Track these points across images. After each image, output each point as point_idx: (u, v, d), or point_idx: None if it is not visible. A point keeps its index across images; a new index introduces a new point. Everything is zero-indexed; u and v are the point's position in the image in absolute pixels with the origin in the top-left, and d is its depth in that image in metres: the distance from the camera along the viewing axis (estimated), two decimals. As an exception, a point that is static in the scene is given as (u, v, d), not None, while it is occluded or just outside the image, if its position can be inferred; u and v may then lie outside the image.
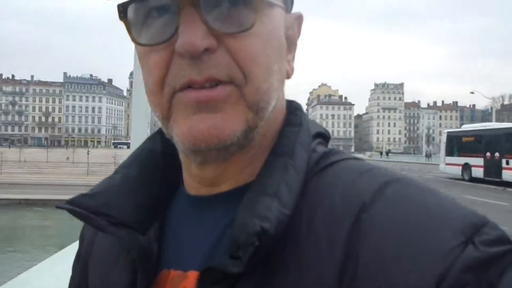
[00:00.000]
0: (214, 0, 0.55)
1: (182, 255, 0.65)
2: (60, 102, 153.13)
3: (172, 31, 0.55)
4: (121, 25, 0.58)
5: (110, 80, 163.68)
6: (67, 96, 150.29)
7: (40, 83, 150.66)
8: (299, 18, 0.70)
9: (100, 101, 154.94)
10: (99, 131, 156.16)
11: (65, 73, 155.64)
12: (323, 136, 0.70)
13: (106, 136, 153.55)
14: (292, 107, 0.69)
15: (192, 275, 0.59)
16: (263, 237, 0.52)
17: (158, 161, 0.72)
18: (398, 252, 0.49)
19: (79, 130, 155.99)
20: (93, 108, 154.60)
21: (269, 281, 0.54)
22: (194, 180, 0.67)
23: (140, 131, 3.58)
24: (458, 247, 0.48)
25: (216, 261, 0.55)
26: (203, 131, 0.56)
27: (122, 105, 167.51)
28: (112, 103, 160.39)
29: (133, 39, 0.58)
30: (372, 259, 0.50)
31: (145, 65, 0.60)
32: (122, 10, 0.58)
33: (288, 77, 0.67)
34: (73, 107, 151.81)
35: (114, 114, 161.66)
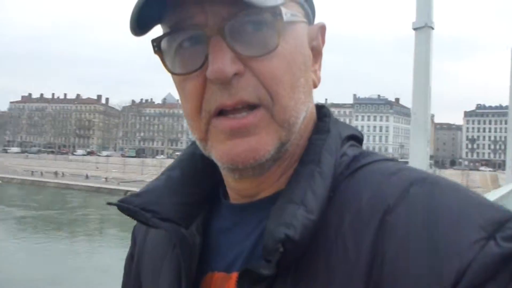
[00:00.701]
0: (238, 27, 0.59)
1: (225, 258, 0.68)
2: (350, 122, 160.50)
3: (202, 60, 0.59)
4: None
5: (397, 99, 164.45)
6: (356, 116, 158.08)
7: (333, 105, 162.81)
8: (322, 28, 0.72)
9: (387, 120, 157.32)
10: (386, 149, 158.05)
11: (354, 95, 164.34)
12: (356, 138, 0.72)
13: (392, 155, 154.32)
14: (322, 113, 0.71)
15: (235, 276, 0.62)
16: (288, 243, 0.55)
17: (198, 164, 0.76)
18: (420, 250, 0.51)
19: (367, 148, 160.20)
20: (381, 127, 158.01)
21: (302, 282, 0.57)
22: (234, 192, 0.72)
23: (418, 149, 3.53)
24: (478, 243, 0.49)
25: (253, 264, 0.58)
26: (239, 153, 0.60)
27: (408, 124, 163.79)
28: (398, 122, 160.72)
29: (168, 70, 0.63)
30: (396, 260, 0.52)
31: (182, 93, 0.64)
32: (156, 45, 0.63)
33: (315, 86, 0.70)
34: (362, 126, 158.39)
35: (401, 133, 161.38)
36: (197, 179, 0.77)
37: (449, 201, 0.54)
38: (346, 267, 0.55)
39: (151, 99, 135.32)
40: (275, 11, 0.60)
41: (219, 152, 0.63)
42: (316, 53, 0.71)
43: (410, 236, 0.52)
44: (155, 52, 0.63)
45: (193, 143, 0.79)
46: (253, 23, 0.60)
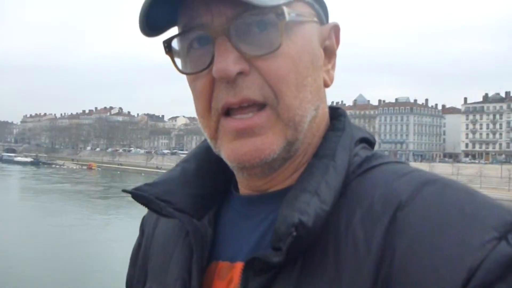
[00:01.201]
0: (243, 27, 0.61)
1: (230, 248, 0.71)
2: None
3: (209, 59, 0.62)
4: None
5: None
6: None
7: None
8: (336, 27, 0.73)
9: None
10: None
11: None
12: (368, 141, 0.73)
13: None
14: (337, 113, 0.73)
15: (239, 266, 0.63)
16: (301, 228, 0.56)
17: (213, 157, 0.77)
18: (431, 248, 0.52)
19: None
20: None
21: (309, 274, 0.58)
22: (245, 186, 0.74)
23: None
24: (490, 243, 0.50)
25: (260, 253, 0.60)
26: (245, 153, 0.63)
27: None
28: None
29: (178, 70, 0.66)
30: (407, 255, 0.53)
31: (193, 92, 0.67)
32: (167, 46, 0.65)
33: (327, 86, 0.71)
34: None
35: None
36: (211, 172, 0.78)
37: (462, 202, 0.55)
38: (355, 261, 0.55)
39: (342, 101, 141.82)
40: (277, 11, 0.62)
41: (227, 151, 0.65)
42: (329, 53, 0.72)
43: (421, 233, 0.53)
44: (166, 52, 0.65)
45: None
46: (257, 23, 0.62)
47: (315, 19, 0.69)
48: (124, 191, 0.75)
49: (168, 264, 0.75)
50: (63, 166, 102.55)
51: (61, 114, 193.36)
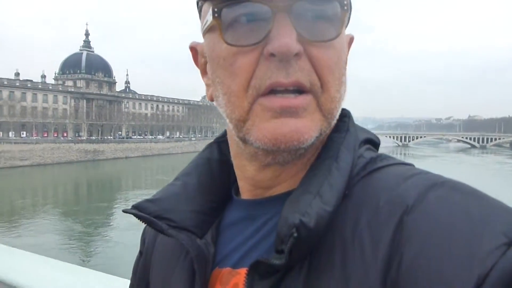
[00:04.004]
0: (304, 9, 0.59)
1: (233, 254, 0.70)
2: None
3: (263, 34, 0.59)
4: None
5: None
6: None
7: None
8: (351, 40, 0.73)
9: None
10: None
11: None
12: (372, 142, 0.73)
13: None
14: (341, 114, 0.70)
15: (243, 271, 0.62)
16: (302, 229, 0.55)
17: (214, 169, 0.78)
18: (439, 254, 0.50)
19: None
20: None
21: (315, 277, 0.57)
22: (249, 183, 0.72)
23: None
24: (500, 249, 0.48)
25: (263, 256, 0.59)
26: (285, 133, 0.60)
27: None
28: None
29: (224, 40, 0.61)
30: (414, 261, 0.51)
31: (228, 67, 0.62)
32: (217, 11, 0.61)
33: None
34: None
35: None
36: (214, 186, 0.77)
37: (470, 206, 0.53)
38: (363, 265, 0.54)
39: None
40: (343, 1, 0.61)
41: (262, 130, 0.61)
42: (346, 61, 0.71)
43: (429, 239, 0.51)
44: (215, 18, 0.62)
45: (208, 146, 0.83)
46: (320, 9, 0.60)
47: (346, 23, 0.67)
48: (125, 211, 0.74)
49: (170, 279, 0.75)
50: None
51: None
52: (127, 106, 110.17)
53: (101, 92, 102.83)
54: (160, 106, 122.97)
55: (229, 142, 0.75)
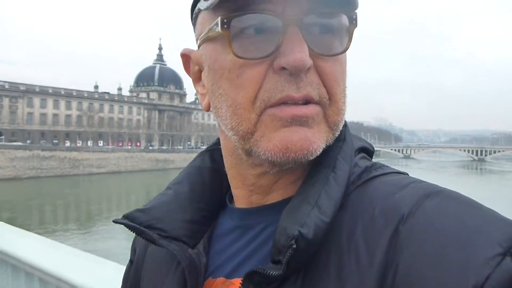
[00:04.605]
0: (314, 23, 0.59)
1: (227, 264, 0.69)
2: None
3: (273, 47, 0.58)
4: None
5: None
6: None
7: None
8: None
9: None
10: None
11: None
12: (367, 151, 0.73)
13: None
14: None
15: (237, 282, 0.62)
16: (301, 241, 0.55)
17: (206, 177, 0.78)
18: (434, 263, 0.50)
19: None
20: None
21: (311, 287, 0.57)
22: (247, 189, 0.70)
23: None
24: (494, 259, 0.48)
25: (259, 267, 0.58)
26: (295, 142, 0.59)
27: None
28: None
29: (234, 52, 0.60)
30: (409, 270, 0.51)
31: (234, 80, 0.61)
32: (227, 22, 0.59)
33: None
34: None
35: None
36: (206, 195, 0.76)
37: (465, 215, 0.53)
38: (358, 275, 0.54)
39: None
40: (352, 15, 0.61)
41: (272, 140, 0.60)
42: None
43: (424, 248, 0.51)
44: (223, 29, 0.60)
45: (200, 155, 0.82)
46: (329, 23, 0.60)
47: None
48: (115, 221, 0.72)
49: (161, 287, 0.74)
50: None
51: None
52: (197, 117, 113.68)
53: (172, 104, 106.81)
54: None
55: (224, 152, 0.73)
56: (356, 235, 0.57)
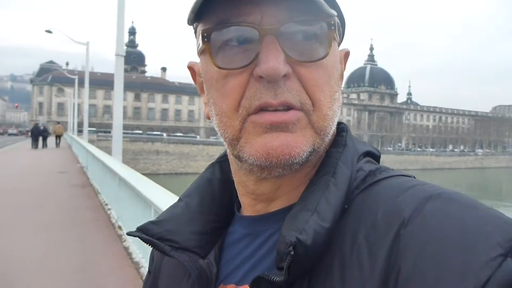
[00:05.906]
0: (292, 31, 0.60)
1: (237, 271, 0.70)
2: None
3: (252, 57, 0.60)
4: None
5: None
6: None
7: None
8: (347, 54, 0.74)
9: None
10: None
11: None
12: (373, 155, 0.73)
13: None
14: (339, 128, 0.72)
15: None
16: (299, 247, 0.56)
17: (216, 189, 0.79)
18: (435, 266, 0.50)
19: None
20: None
21: None
22: (250, 197, 0.72)
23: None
24: (495, 261, 0.48)
25: (265, 273, 0.59)
26: (276, 147, 0.60)
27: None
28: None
29: (215, 63, 0.63)
30: (411, 273, 0.51)
31: (221, 89, 0.64)
32: (207, 36, 0.63)
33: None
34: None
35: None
36: (215, 206, 0.78)
37: (466, 217, 0.53)
38: (361, 280, 0.54)
39: None
40: (330, 21, 0.62)
41: (254, 146, 0.62)
42: (340, 76, 0.72)
43: (425, 251, 0.51)
44: (204, 42, 0.63)
45: (209, 166, 0.84)
46: (307, 30, 0.61)
47: (338, 39, 0.69)
48: (129, 234, 0.75)
49: None
50: None
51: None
52: (408, 117, 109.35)
53: (383, 104, 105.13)
54: (443, 118, 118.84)
55: (229, 160, 0.76)
56: (359, 240, 0.57)
